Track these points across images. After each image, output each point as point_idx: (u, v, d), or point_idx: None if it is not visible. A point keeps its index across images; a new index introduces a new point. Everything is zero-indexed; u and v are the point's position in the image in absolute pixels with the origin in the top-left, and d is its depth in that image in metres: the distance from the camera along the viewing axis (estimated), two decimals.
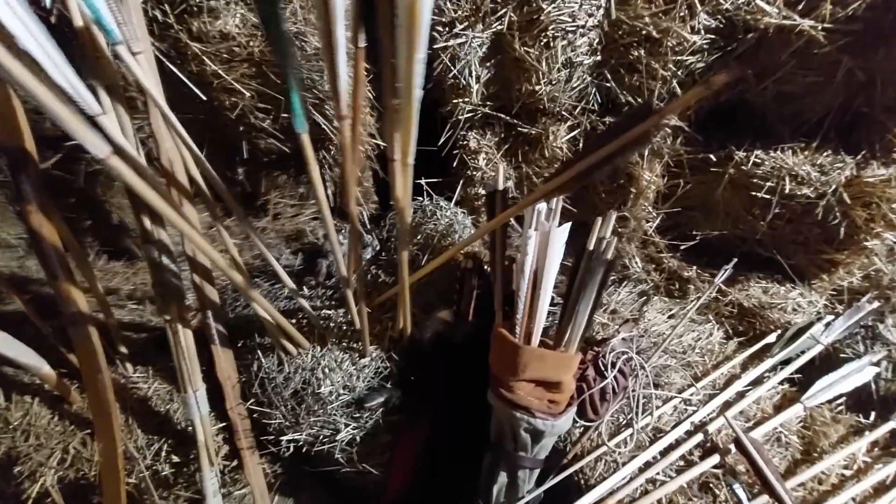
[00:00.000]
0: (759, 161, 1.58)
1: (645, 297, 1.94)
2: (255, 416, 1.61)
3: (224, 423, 1.64)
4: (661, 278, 1.97)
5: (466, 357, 1.49)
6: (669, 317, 1.85)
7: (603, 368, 1.57)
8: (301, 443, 1.57)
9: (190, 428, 1.54)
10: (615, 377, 1.57)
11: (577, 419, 1.54)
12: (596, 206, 1.83)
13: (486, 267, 1.65)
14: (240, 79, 1.39)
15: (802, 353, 1.70)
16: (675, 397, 1.59)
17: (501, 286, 1.45)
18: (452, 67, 1.50)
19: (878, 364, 1.67)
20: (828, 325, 1.74)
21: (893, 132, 1.51)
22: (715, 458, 1.45)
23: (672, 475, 1.45)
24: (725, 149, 1.63)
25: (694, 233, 1.83)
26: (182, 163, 1.31)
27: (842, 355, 1.75)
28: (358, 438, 1.56)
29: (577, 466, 1.47)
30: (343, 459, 1.59)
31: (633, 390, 1.59)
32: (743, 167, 1.60)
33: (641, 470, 1.45)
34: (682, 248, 1.87)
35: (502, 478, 1.43)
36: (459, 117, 1.64)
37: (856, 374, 1.64)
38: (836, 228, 1.60)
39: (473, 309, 1.51)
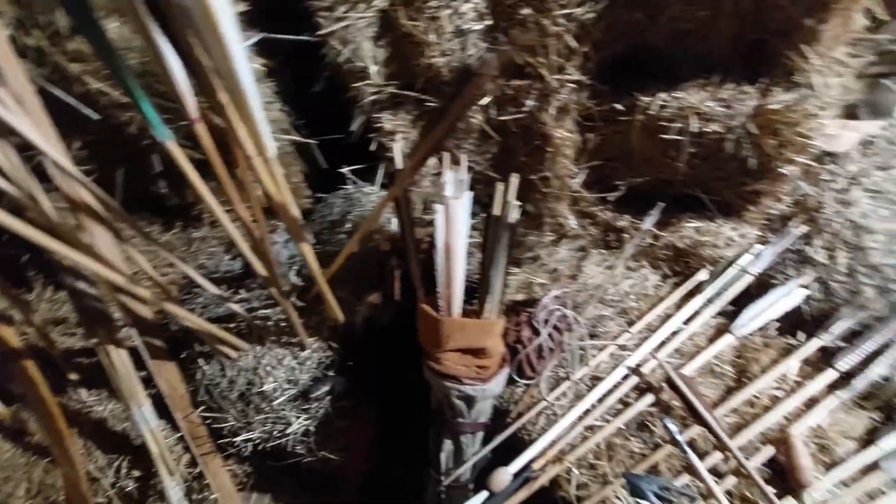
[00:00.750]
0: (664, 104, 1.59)
1: (583, 253, 1.97)
2: (208, 422, 1.65)
3: (180, 433, 1.69)
4: (597, 232, 2.00)
5: (397, 337, 1.53)
6: (607, 268, 1.88)
7: (537, 327, 1.60)
8: (257, 440, 1.62)
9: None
10: (550, 335, 1.60)
11: (518, 378, 1.58)
12: (520, 169, 1.84)
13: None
14: (126, 93, 1.38)
15: (733, 285, 1.74)
16: (609, 344, 1.63)
17: (419, 263, 1.47)
18: (344, 51, 1.49)
19: (807, 286, 1.71)
20: (757, 255, 1.78)
21: (789, 56, 1.52)
22: (649, 398, 1.50)
23: (610, 419, 1.50)
24: (632, 96, 1.63)
25: (618, 183, 1.84)
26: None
27: (773, 282, 1.78)
28: (312, 428, 1.60)
29: (518, 424, 1.52)
30: (302, 450, 1.64)
31: (569, 344, 1.63)
32: (650, 112, 1.60)
33: (581, 418, 1.50)
34: (610, 199, 1.89)
35: (447, 445, 1.48)
36: (365, 100, 1.64)
37: (785, 298, 1.68)
38: (749, 160, 1.62)
39: (399, 290, 1.53)
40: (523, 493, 1.40)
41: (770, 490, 1.31)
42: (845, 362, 1.53)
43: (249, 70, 0.80)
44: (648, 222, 1.81)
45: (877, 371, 1.51)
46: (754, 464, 1.38)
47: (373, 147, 1.79)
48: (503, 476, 1.43)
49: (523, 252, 1.99)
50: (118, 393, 1.47)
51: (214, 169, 1.06)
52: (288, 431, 1.58)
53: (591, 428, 1.50)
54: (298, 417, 1.59)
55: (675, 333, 1.65)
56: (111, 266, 1.15)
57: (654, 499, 1.34)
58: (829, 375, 1.52)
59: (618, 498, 1.40)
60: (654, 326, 1.68)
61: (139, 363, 1.56)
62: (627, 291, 1.78)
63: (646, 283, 1.81)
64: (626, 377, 1.56)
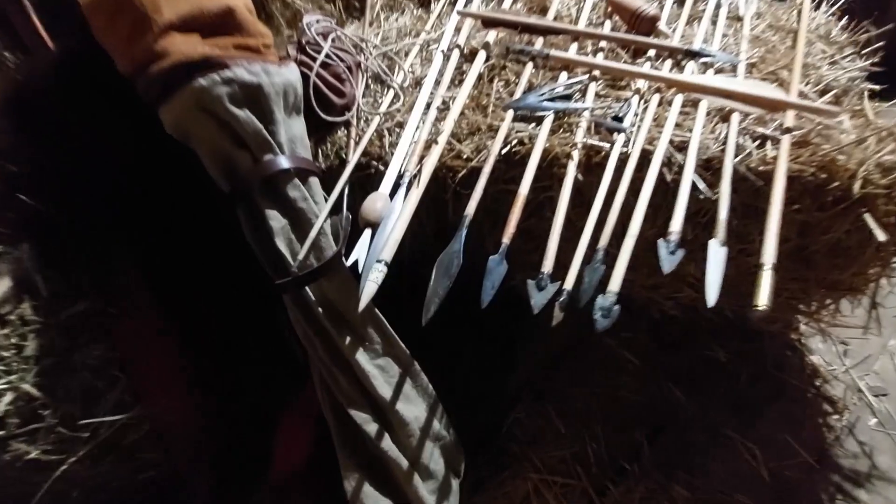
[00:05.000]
0: None
1: None
2: None
3: None
4: None
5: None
6: None
7: (312, 52, 1.12)
8: None
9: None
10: (338, 58, 1.13)
11: (331, 118, 1.07)
12: None
13: None
14: None
15: None
16: (413, 44, 1.25)
17: None
18: None
19: None
20: None
21: None
22: (481, 56, 1.14)
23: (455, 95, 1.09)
24: None
25: None
26: None
27: None
28: None
29: (359, 151, 1.00)
30: None
31: (366, 58, 1.19)
32: None
33: (428, 107, 1.07)
34: None
35: (274, 219, 0.88)
36: None
37: None
38: None
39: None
40: (413, 201, 0.89)
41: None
42: None
43: None
44: None
45: None
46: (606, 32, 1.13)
47: None
48: (377, 201, 0.90)
49: None
50: None
51: None
52: None
53: (444, 107, 1.08)
54: None
55: None
56: None
57: (548, 103, 0.98)
58: None
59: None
60: None
61: None
62: None
63: None
64: (450, 49, 1.18)
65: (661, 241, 0.77)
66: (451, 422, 1.10)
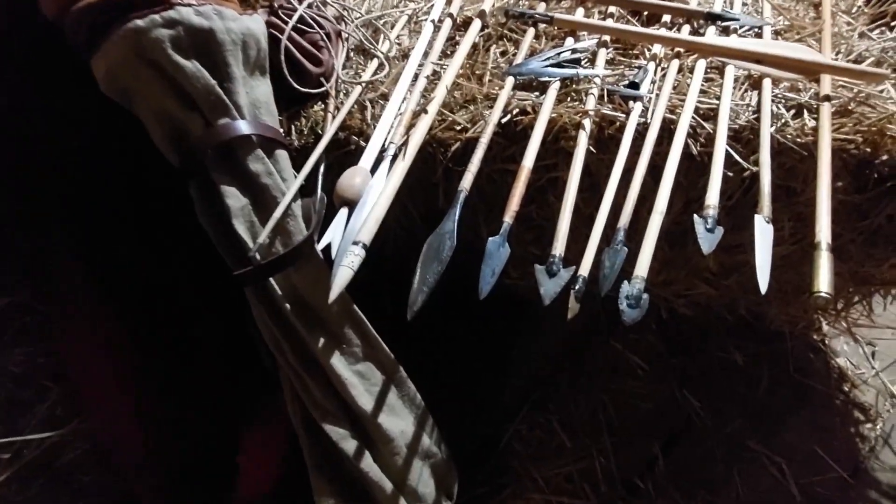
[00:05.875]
0: None
1: None
2: None
3: None
4: None
5: None
6: None
7: (285, 16, 0.98)
8: None
9: None
10: (317, 24, 1.00)
11: (307, 89, 0.93)
12: None
13: None
14: None
15: None
16: (402, 14, 1.12)
17: None
18: None
19: None
20: None
21: None
22: (476, 24, 1.02)
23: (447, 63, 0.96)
24: None
25: None
26: None
27: None
28: None
29: (336, 123, 0.87)
30: None
31: (348, 23, 1.06)
32: None
33: (417, 76, 0.94)
34: None
35: (232, 197, 0.74)
36: None
37: None
38: None
39: None
40: (398, 175, 0.76)
41: None
42: None
43: None
44: None
45: None
46: None
47: None
48: (355, 176, 0.76)
49: None
50: None
51: None
52: None
53: (434, 77, 0.95)
54: None
55: None
56: None
57: (553, 69, 0.86)
58: None
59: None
60: None
61: None
62: None
63: None
64: (438, 21, 1.05)
65: (697, 217, 0.65)
66: (443, 436, 0.96)
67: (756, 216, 0.65)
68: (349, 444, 0.82)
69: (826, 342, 1.27)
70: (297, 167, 0.87)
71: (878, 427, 1.12)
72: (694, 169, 0.84)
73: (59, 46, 0.72)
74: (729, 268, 1.05)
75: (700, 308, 1.24)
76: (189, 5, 0.65)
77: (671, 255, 1.02)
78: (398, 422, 0.87)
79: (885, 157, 0.79)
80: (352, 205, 0.73)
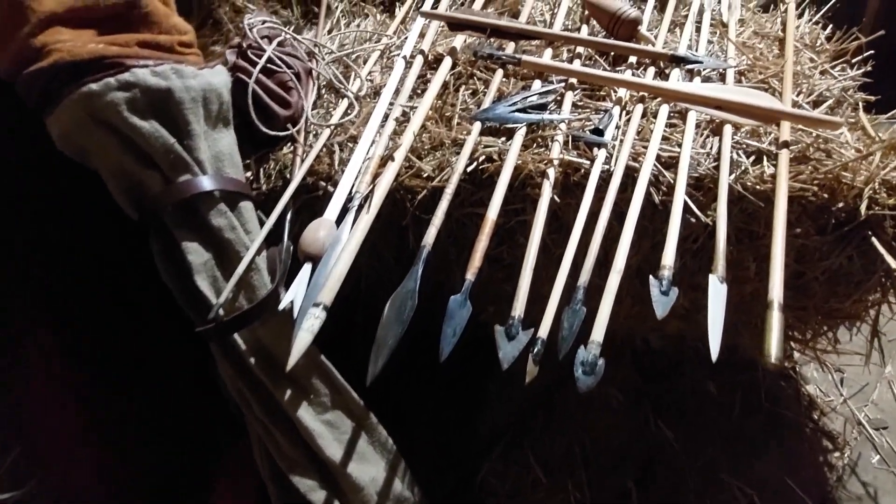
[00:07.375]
0: None
1: None
2: None
3: None
4: None
5: None
6: None
7: (254, 56, 0.98)
8: None
9: None
10: (285, 64, 1.00)
11: (273, 132, 0.93)
12: None
13: None
14: None
15: None
16: (374, 49, 1.12)
17: None
18: None
19: None
20: None
21: None
22: (447, 62, 1.02)
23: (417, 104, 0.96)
24: None
25: None
26: None
27: None
28: None
29: (304, 169, 0.86)
30: None
31: (318, 64, 1.05)
32: None
33: (385, 119, 0.94)
34: None
35: (193, 253, 0.73)
36: None
37: None
38: None
39: None
40: (361, 229, 0.75)
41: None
42: None
43: None
44: None
45: None
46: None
47: None
48: (319, 231, 0.76)
49: None
50: None
51: None
52: None
53: (404, 119, 0.95)
54: None
55: None
56: None
57: (519, 114, 0.87)
58: None
59: None
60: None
61: None
62: None
63: None
64: (410, 57, 1.05)
65: (652, 280, 0.65)
66: (417, 478, 0.96)
67: (710, 276, 0.66)
68: (318, 496, 0.81)
69: (797, 369, 1.29)
70: (267, 211, 0.87)
71: (845, 455, 1.14)
72: (658, 215, 0.86)
73: (15, 99, 0.71)
74: (701, 304, 1.06)
75: (673, 340, 1.26)
76: (145, 66, 0.65)
77: (644, 293, 1.04)
78: (369, 469, 0.87)
79: (841, 204, 0.81)
80: (315, 260, 0.73)
